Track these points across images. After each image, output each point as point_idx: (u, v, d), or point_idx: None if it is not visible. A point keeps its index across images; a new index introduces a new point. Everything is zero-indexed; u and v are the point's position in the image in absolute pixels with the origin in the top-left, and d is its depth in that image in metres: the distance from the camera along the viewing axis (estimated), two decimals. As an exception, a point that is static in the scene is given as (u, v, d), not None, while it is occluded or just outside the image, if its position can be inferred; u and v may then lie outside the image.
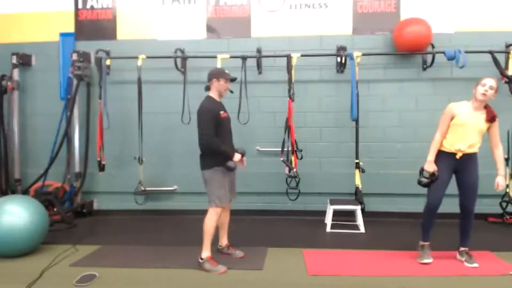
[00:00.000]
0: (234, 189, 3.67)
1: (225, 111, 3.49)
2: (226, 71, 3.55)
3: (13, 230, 3.52)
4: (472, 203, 3.34)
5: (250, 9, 5.32)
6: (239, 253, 3.73)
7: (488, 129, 3.34)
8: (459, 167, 3.36)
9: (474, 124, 3.28)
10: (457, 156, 3.31)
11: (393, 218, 4.99)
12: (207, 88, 3.52)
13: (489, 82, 3.23)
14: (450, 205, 3.54)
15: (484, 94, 3.21)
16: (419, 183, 3.42)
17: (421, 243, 3.51)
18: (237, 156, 3.42)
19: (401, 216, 4.97)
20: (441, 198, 3.36)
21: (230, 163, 3.34)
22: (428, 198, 3.40)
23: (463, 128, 3.28)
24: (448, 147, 3.35)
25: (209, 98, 3.48)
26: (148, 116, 5.19)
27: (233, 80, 3.56)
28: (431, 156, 3.37)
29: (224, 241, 3.78)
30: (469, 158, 3.33)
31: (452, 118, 3.32)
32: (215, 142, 3.32)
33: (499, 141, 3.38)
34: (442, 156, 3.39)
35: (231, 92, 3.67)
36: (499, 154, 3.36)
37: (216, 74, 3.47)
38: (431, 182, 3.36)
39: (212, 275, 3.22)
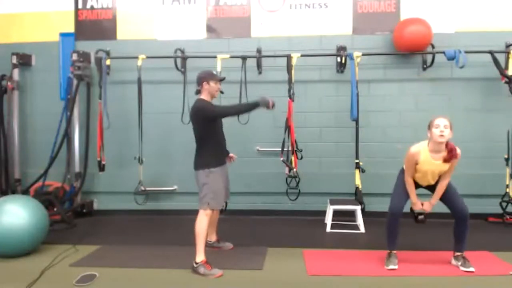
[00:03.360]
0: (228, 193, 3.73)
1: None
2: (214, 72, 3.60)
3: (13, 230, 3.52)
4: (464, 204, 3.28)
5: (250, 9, 5.32)
6: (228, 244, 3.87)
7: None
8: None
9: (436, 170, 3.25)
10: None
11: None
12: (198, 92, 3.52)
13: (442, 122, 3.08)
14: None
15: (441, 136, 3.07)
16: (420, 221, 3.42)
17: (388, 251, 3.43)
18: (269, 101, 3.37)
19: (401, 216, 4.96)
20: (404, 204, 3.35)
21: (265, 99, 3.33)
22: (390, 203, 3.36)
23: (425, 174, 3.28)
24: None
25: (202, 99, 3.48)
26: (148, 116, 5.19)
27: (222, 80, 3.57)
28: (413, 198, 3.38)
29: (213, 237, 3.86)
30: (429, 186, 3.41)
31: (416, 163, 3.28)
32: (231, 106, 3.47)
33: (449, 176, 3.29)
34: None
35: (222, 92, 3.67)
36: (442, 186, 3.29)
37: (205, 77, 3.47)
38: (425, 216, 3.41)
39: (212, 276, 3.22)
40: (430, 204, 3.38)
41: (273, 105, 3.37)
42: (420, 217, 3.41)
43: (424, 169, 3.24)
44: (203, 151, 3.44)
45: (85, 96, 5.30)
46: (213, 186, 3.37)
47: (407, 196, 3.40)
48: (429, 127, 3.17)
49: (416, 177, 3.36)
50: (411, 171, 3.31)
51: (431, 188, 3.40)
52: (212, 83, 3.46)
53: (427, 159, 3.19)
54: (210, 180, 3.36)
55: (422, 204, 3.40)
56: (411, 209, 3.45)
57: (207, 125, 3.41)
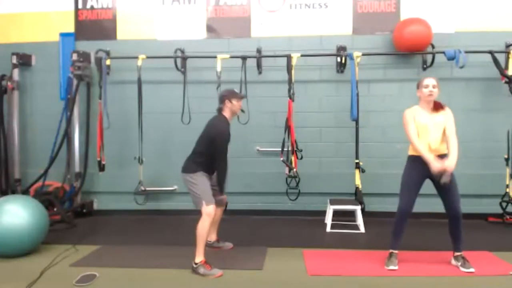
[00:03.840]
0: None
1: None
2: (236, 91, 3.66)
3: (13, 230, 3.52)
4: (458, 202, 3.27)
5: (250, 9, 5.32)
6: (228, 244, 3.91)
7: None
8: (431, 173, 3.26)
9: (433, 122, 3.29)
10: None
11: (393, 218, 4.93)
12: (219, 110, 3.56)
13: (431, 82, 3.31)
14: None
15: (430, 95, 3.30)
16: (444, 184, 3.20)
17: (390, 250, 3.43)
18: None
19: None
20: (413, 203, 3.33)
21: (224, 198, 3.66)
22: (400, 203, 3.35)
23: (426, 129, 3.29)
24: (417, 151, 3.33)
25: (223, 118, 3.51)
26: (148, 116, 5.19)
27: (243, 98, 3.65)
28: (429, 157, 3.20)
29: (213, 237, 3.88)
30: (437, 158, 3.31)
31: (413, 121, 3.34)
32: (223, 174, 3.52)
33: (452, 133, 3.26)
34: (412, 161, 3.38)
35: (243, 111, 3.79)
36: (453, 143, 3.22)
37: (228, 96, 3.52)
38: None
39: (212, 276, 3.22)
40: (451, 161, 3.16)
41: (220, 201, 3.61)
42: (444, 179, 3.15)
43: (423, 122, 3.31)
44: (196, 159, 3.49)
45: (85, 96, 5.30)
46: (200, 184, 3.40)
47: (415, 192, 3.35)
48: (418, 86, 3.38)
49: (422, 139, 3.29)
50: (414, 130, 3.32)
51: (440, 188, 3.30)
52: (234, 101, 3.52)
53: (422, 113, 3.34)
54: (198, 180, 3.41)
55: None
56: (431, 178, 3.27)
57: (213, 146, 3.43)
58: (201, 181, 3.43)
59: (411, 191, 3.35)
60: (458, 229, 3.31)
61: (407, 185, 3.38)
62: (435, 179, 3.25)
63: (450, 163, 3.16)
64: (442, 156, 3.28)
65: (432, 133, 3.29)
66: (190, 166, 3.48)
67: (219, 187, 3.52)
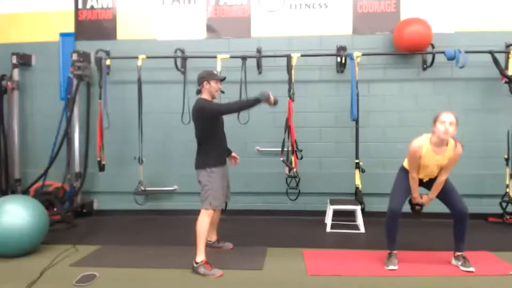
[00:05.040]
0: (229, 194, 3.76)
1: None
2: (215, 72, 3.61)
3: (13, 230, 3.52)
4: (463, 203, 3.28)
5: (250, 9, 5.32)
6: (228, 244, 3.90)
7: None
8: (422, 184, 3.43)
9: (437, 163, 3.25)
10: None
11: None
12: (198, 92, 3.53)
13: (448, 118, 3.09)
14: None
15: (446, 133, 3.09)
16: (417, 212, 3.48)
17: (388, 251, 3.44)
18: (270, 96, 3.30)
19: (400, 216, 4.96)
20: (403, 203, 3.36)
21: (265, 94, 3.25)
22: (390, 203, 3.35)
23: (426, 167, 3.28)
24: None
25: (202, 99, 3.49)
26: (148, 116, 5.19)
27: (222, 79, 3.58)
28: (415, 193, 3.39)
29: (213, 237, 3.88)
30: (431, 179, 3.40)
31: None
32: (233, 103, 3.50)
33: (448, 170, 3.28)
34: (406, 171, 3.41)
35: (222, 92, 3.68)
36: (440, 181, 3.29)
37: (206, 77, 3.48)
38: (421, 207, 3.46)
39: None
40: (429, 198, 3.39)
41: (275, 102, 3.29)
42: (417, 207, 3.45)
43: (426, 163, 3.25)
44: (204, 150, 3.45)
45: (85, 96, 5.31)
46: (214, 186, 3.38)
47: (406, 195, 3.40)
48: (435, 121, 3.18)
49: (420, 170, 3.32)
50: (415, 166, 3.29)
51: (430, 185, 3.40)
52: (212, 83, 3.47)
53: (429, 154, 3.21)
54: (212, 180, 3.37)
55: (421, 197, 3.44)
56: (410, 201, 3.48)
57: (209, 123, 3.42)
58: (214, 180, 3.37)
59: (402, 193, 3.39)
60: (464, 228, 3.30)
61: (399, 188, 3.41)
62: (429, 182, 3.39)
63: (427, 201, 3.41)
64: (431, 180, 3.37)
65: (434, 168, 3.29)
66: (199, 160, 3.45)
67: (253, 103, 3.34)
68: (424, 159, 3.23)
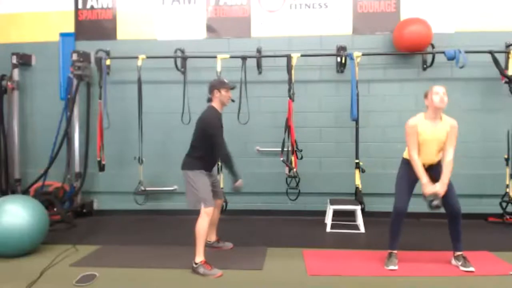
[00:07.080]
0: (220, 192, 3.80)
1: (221, 123, 3.56)
2: (226, 81, 3.61)
3: (13, 230, 3.52)
4: (456, 201, 3.27)
5: (250, 9, 5.32)
6: (228, 244, 3.91)
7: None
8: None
9: (435, 138, 3.26)
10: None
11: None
12: (209, 100, 3.55)
13: (441, 90, 3.27)
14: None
15: (441, 102, 3.23)
16: (436, 207, 3.20)
17: (389, 251, 3.42)
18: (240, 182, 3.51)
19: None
20: (407, 202, 3.34)
21: (239, 184, 3.49)
22: (395, 202, 3.34)
23: (427, 143, 3.28)
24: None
25: (212, 108, 3.51)
26: (148, 116, 5.19)
27: (232, 88, 3.61)
28: (424, 178, 3.25)
29: (213, 237, 3.88)
30: (431, 167, 3.36)
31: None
32: (226, 151, 3.46)
33: (451, 147, 3.25)
34: (406, 163, 3.40)
35: (233, 101, 3.74)
36: (449, 161, 3.22)
37: (217, 85, 3.51)
38: (438, 200, 3.21)
39: (212, 276, 3.22)
40: (443, 183, 3.19)
41: (238, 188, 3.51)
42: (434, 202, 3.18)
43: (426, 137, 3.25)
44: (193, 154, 3.50)
45: (85, 96, 5.31)
46: (203, 184, 3.41)
47: (410, 191, 3.37)
48: (427, 95, 3.33)
49: (420, 152, 3.30)
50: (415, 144, 3.29)
51: (432, 177, 3.29)
52: (223, 91, 3.50)
53: (425, 128, 3.26)
54: (198, 179, 3.42)
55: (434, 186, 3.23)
56: (423, 195, 3.27)
57: (207, 139, 3.44)
58: (202, 181, 3.43)
59: (405, 191, 3.37)
60: (458, 227, 3.31)
61: (402, 185, 3.39)
62: (426, 201, 3.27)
63: (442, 188, 3.20)
64: (434, 166, 3.32)
65: (433, 145, 3.27)
66: (189, 162, 3.49)
67: (231, 173, 3.45)
68: (422, 135, 3.26)
